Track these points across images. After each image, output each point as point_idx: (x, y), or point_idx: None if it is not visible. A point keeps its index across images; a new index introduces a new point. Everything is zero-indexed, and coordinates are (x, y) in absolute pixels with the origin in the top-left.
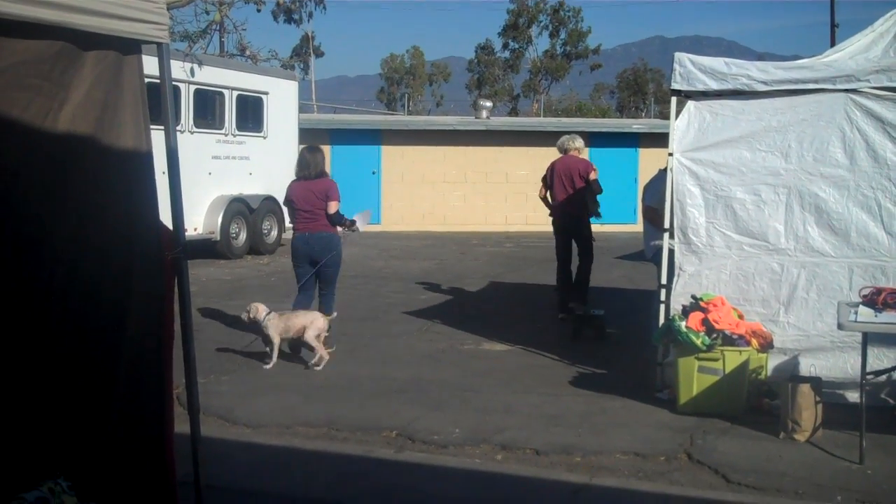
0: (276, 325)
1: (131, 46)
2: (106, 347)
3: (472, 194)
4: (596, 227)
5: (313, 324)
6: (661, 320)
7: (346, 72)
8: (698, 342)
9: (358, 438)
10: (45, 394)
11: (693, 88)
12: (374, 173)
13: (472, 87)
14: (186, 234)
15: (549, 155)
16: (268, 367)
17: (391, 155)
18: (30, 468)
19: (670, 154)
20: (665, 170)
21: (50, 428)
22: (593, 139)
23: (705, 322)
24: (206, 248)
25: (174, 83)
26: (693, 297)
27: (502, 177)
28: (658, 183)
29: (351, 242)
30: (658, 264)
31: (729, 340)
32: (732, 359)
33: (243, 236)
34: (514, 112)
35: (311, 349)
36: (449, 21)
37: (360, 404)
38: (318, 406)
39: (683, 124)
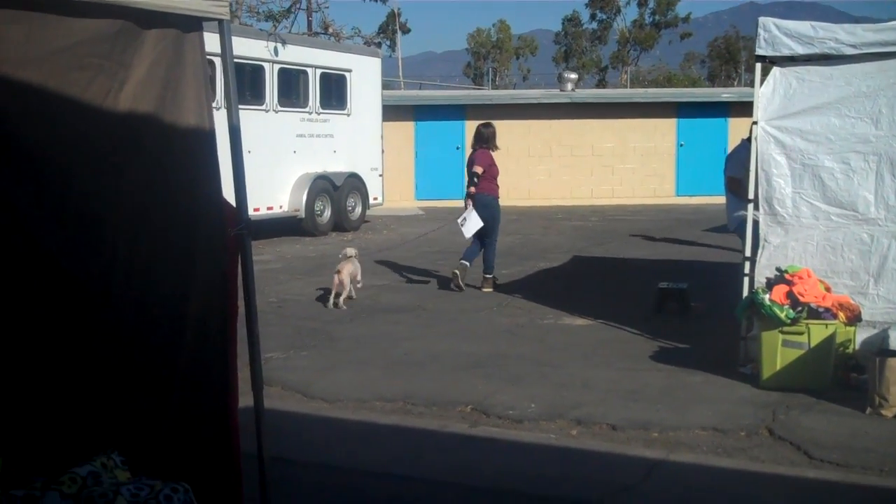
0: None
1: (192, 24)
2: (169, 324)
3: (557, 168)
4: (685, 199)
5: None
6: (745, 293)
7: (433, 48)
8: (782, 315)
9: (434, 413)
10: (103, 370)
11: (778, 54)
12: (457, 149)
13: (559, 60)
14: (272, 211)
15: (636, 126)
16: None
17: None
18: (85, 443)
19: (755, 122)
20: (749, 139)
21: (106, 404)
22: (681, 109)
23: (790, 295)
24: (292, 226)
25: (258, 63)
26: (778, 269)
27: (588, 150)
28: (741, 152)
29: (434, 218)
30: (742, 236)
31: (815, 314)
32: (818, 332)
33: (328, 213)
34: (602, 84)
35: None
36: None
37: (437, 379)
38: (395, 381)
39: (769, 91)
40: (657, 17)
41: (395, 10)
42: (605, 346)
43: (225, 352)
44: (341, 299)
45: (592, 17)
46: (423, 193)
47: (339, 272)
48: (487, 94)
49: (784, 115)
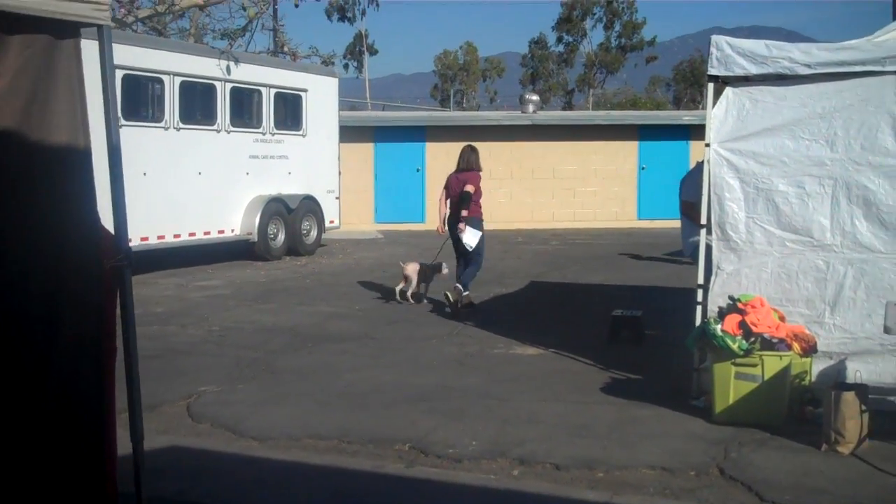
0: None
1: (66, 30)
2: (33, 362)
3: (518, 191)
4: (646, 223)
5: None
6: (698, 322)
7: (402, 70)
8: (735, 347)
9: (369, 452)
10: None
11: (731, 73)
12: (418, 170)
13: (525, 82)
14: (223, 234)
15: (597, 149)
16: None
17: (436, 152)
18: None
19: (707, 144)
20: (703, 162)
21: None
22: (642, 132)
23: (742, 325)
24: (244, 250)
25: (210, 81)
26: (731, 298)
27: (549, 172)
28: (696, 175)
29: (394, 242)
30: (696, 262)
31: (768, 345)
32: (772, 364)
33: (282, 237)
34: (568, 107)
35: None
36: (503, 16)
37: (377, 413)
38: (332, 415)
39: (721, 112)
40: (623, 41)
41: (363, 32)
42: (555, 378)
43: (100, 394)
44: (408, 293)
45: (559, 39)
46: (383, 216)
47: (405, 267)
48: (448, 116)
49: (737, 136)
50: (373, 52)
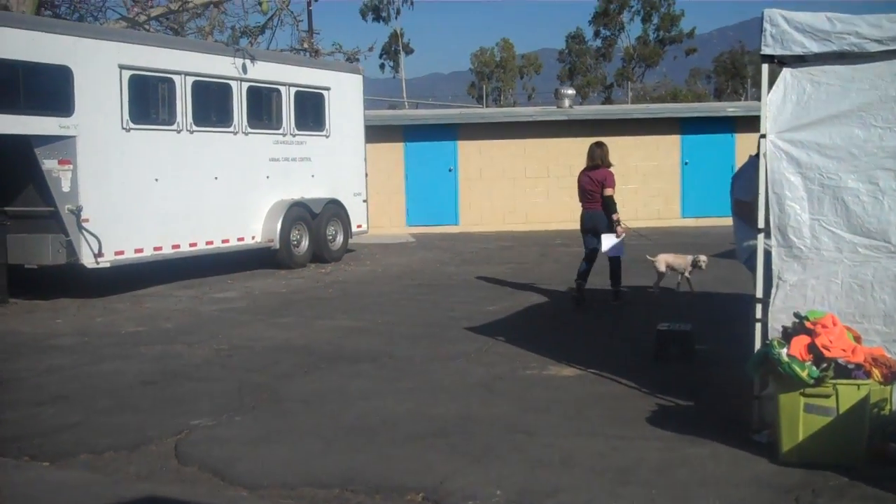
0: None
1: None
2: None
3: (555, 189)
4: (691, 221)
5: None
6: (758, 343)
7: (440, 69)
8: (804, 375)
9: None
10: None
11: (788, 52)
12: (450, 170)
13: (563, 77)
14: (243, 242)
15: (638, 144)
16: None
17: (468, 150)
18: None
19: (762, 136)
20: (757, 155)
21: None
22: (684, 125)
23: (812, 348)
24: (267, 258)
25: (224, 81)
26: (797, 315)
27: None
28: (749, 171)
29: (426, 246)
30: (753, 269)
31: (843, 371)
32: (848, 394)
33: (305, 243)
34: (608, 102)
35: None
36: (539, 12)
37: (389, 453)
38: (337, 457)
39: (778, 98)
40: (661, 34)
41: (398, 31)
42: (594, 405)
43: None
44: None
45: (596, 33)
46: (415, 219)
47: (656, 260)
48: (481, 113)
49: (797, 126)
50: (408, 51)
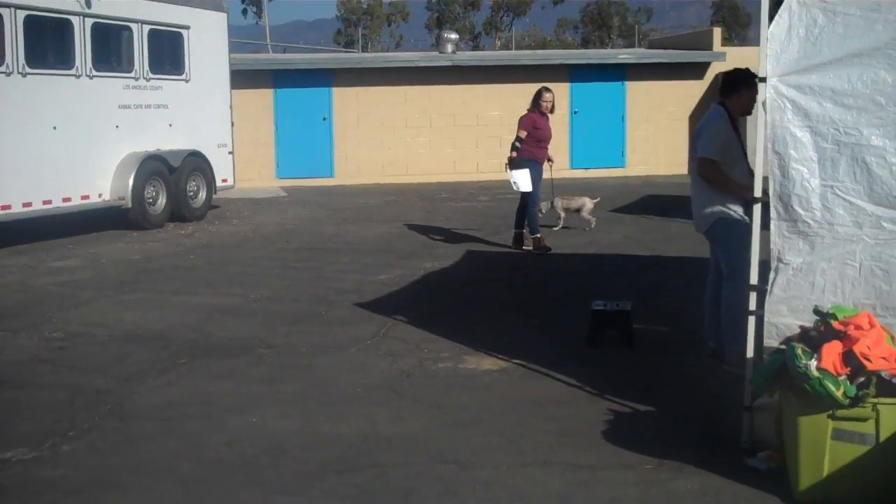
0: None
1: None
2: None
3: (438, 140)
4: (580, 172)
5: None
6: (750, 343)
7: (303, 16)
8: (839, 394)
9: None
10: None
11: None
12: (324, 119)
13: (431, 26)
14: (88, 200)
15: (525, 92)
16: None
17: (344, 98)
18: None
19: (762, 79)
20: (720, 104)
21: None
22: (573, 72)
23: (849, 357)
24: (117, 218)
25: (64, 16)
26: (819, 312)
27: (472, 119)
28: (715, 124)
29: (299, 202)
30: (718, 240)
31: (887, 386)
32: (892, 417)
33: (162, 201)
34: (476, 49)
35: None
36: None
37: None
38: None
39: (781, 32)
40: None
41: None
42: (533, 415)
43: None
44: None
45: None
46: (286, 171)
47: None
48: (358, 58)
49: (806, 67)
50: None
